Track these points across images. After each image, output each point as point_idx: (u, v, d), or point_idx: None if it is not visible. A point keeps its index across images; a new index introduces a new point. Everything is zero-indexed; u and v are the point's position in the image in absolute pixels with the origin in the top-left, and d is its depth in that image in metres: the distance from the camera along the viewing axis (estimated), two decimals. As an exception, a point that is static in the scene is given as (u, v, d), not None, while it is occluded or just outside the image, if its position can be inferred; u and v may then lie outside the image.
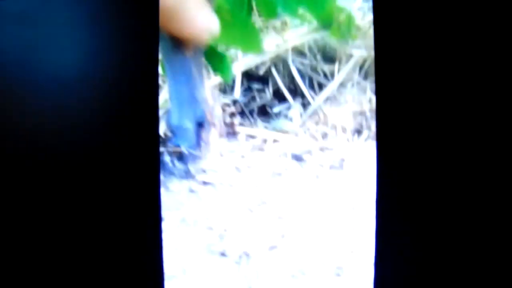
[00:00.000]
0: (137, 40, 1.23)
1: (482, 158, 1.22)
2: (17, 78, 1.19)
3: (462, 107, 1.21)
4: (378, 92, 1.23)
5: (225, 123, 1.71)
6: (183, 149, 1.61)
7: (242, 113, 1.75)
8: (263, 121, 1.74)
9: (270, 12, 1.78)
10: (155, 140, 1.27)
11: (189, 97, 1.58)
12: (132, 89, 1.24)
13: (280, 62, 1.77)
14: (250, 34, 1.60)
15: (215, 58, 1.61)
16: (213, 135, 1.63)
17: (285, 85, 1.77)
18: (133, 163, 1.24)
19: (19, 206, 1.21)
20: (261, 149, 1.67)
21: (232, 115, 1.75)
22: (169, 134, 1.62)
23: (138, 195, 1.25)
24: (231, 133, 1.71)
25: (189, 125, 1.60)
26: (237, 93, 1.71)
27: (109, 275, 1.26)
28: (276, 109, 1.76)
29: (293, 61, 1.78)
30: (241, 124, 1.73)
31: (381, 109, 1.24)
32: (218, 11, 1.58)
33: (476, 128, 1.22)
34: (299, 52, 1.78)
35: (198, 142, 1.61)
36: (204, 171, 1.60)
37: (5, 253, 1.22)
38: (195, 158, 1.62)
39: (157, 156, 1.28)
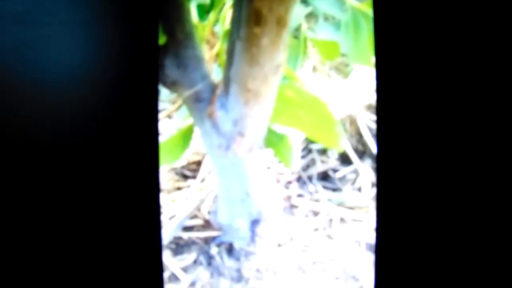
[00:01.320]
0: (137, 40, 1.17)
1: (482, 159, 1.17)
2: (17, 78, 1.16)
3: (463, 109, 1.17)
4: (379, 93, 1.16)
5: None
6: (235, 245, 1.30)
7: (299, 179, 1.43)
8: (325, 188, 1.43)
9: (332, 54, 1.44)
10: (155, 141, 1.19)
11: (241, 196, 1.26)
12: (132, 90, 1.18)
13: (346, 118, 1.44)
14: (327, 125, 1.27)
15: (275, 141, 1.28)
16: (271, 229, 1.31)
17: (352, 146, 1.44)
18: (133, 164, 1.20)
19: (19, 207, 1.19)
20: (328, 236, 1.36)
21: (288, 183, 1.42)
22: (216, 229, 1.31)
23: (137, 197, 1.20)
24: (288, 208, 1.40)
25: (242, 223, 1.29)
26: (296, 165, 1.38)
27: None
28: (339, 174, 1.44)
29: (362, 117, 1.44)
30: (299, 195, 1.42)
31: (381, 109, 1.18)
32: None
33: (476, 130, 1.18)
34: (370, 106, 1.44)
35: (252, 238, 1.30)
36: (259, 271, 1.30)
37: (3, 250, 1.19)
38: (248, 254, 1.31)
39: (157, 157, 1.18)
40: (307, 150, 1.44)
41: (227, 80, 1.22)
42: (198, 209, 1.38)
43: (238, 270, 1.31)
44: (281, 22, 1.17)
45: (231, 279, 1.30)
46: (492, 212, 1.19)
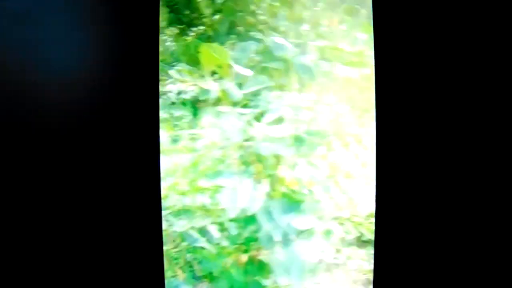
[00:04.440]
0: (137, 40, 1.18)
1: (482, 159, 1.20)
2: (17, 77, 1.18)
3: (461, 108, 1.20)
4: (378, 92, 1.20)
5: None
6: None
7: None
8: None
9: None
10: (156, 143, 1.20)
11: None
12: (132, 89, 1.19)
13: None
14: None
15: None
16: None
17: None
18: (134, 164, 1.21)
19: (20, 206, 1.23)
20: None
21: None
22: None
23: (138, 196, 1.23)
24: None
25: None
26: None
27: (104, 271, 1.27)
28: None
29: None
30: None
31: (381, 109, 1.21)
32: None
33: (475, 129, 1.20)
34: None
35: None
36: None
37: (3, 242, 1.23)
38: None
39: (157, 156, 1.21)
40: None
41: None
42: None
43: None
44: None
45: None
46: (490, 207, 1.22)
